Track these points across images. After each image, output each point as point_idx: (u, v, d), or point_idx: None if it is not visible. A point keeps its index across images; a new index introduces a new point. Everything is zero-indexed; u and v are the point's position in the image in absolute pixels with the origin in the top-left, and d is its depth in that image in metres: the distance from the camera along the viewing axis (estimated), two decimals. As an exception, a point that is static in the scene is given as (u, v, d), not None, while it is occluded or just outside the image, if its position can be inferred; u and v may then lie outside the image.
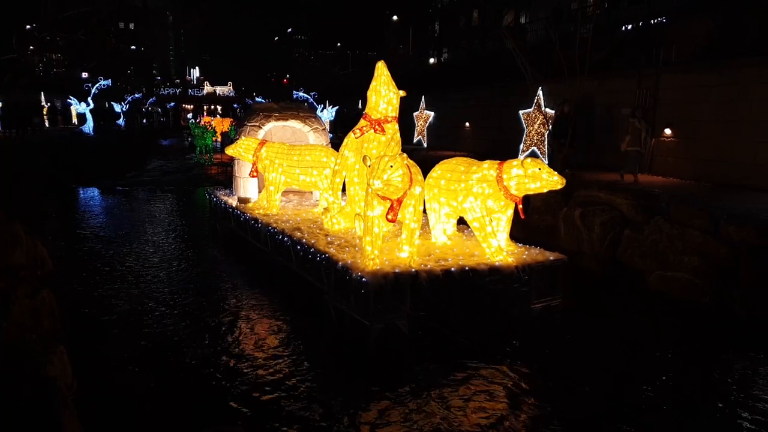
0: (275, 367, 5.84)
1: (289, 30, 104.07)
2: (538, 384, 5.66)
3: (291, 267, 8.08)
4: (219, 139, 30.54)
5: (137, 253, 10.25)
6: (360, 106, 30.72)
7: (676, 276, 8.08)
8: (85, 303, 7.65)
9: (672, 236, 8.27)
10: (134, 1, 79.43)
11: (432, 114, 23.35)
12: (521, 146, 15.91)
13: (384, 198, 6.18)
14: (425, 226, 7.62)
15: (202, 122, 34.17)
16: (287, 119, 11.05)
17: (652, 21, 17.03)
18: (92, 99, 31.53)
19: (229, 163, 14.56)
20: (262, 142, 9.91)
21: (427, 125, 23.68)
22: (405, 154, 6.25)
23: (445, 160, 7.48)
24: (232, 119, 36.74)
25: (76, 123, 36.00)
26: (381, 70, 7.65)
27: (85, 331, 6.55)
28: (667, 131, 13.12)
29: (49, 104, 35.91)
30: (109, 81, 37.60)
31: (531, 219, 10.26)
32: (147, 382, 5.56)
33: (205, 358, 6.06)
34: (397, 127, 7.76)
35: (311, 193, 11.00)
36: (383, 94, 7.61)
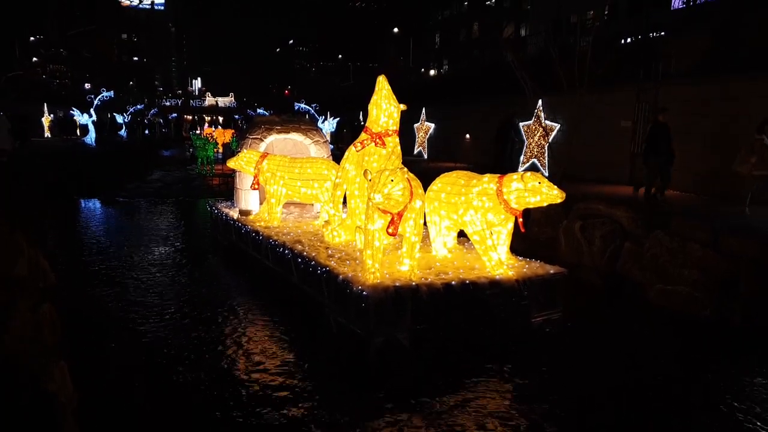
0: (275, 379, 5.83)
1: (291, 41, 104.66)
2: (538, 396, 5.66)
3: (292, 280, 8.09)
4: (220, 151, 30.60)
5: (138, 265, 10.26)
6: (361, 117, 30.86)
7: (676, 289, 8.08)
8: (84, 312, 7.65)
9: (672, 249, 8.28)
10: (137, 14, 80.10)
11: (432, 125, 23.48)
12: (521, 158, 15.99)
13: (384, 211, 6.20)
14: (426, 239, 7.64)
15: (204, 133, 34.29)
16: (289, 132, 11.10)
17: (651, 34, 17.16)
18: (95, 110, 31.67)
19: (231, 175, 14.60)
20: (264, 155, 9.96)
21: (427, 137, 23.80)
22: (405, 168, 6.29)
23: (446, 174, 7.51)
24: (233, 130, 36.83)
25: (78, 134, 36.15)
26: (382, 84, 7.70)
27: (84, 340, 6.54)
28: (667, 144, 13.16)
29: (52, 115, 36.06)
30: (112, 92, 37.82)
31: (531, 231, 10.30)
32: (146, 393, 5.57)
33: (205, 370, 6.06)
34: (397, 140, 7.80)
35: (312, 205, 11.03)
36: (384, 107, 7.66)
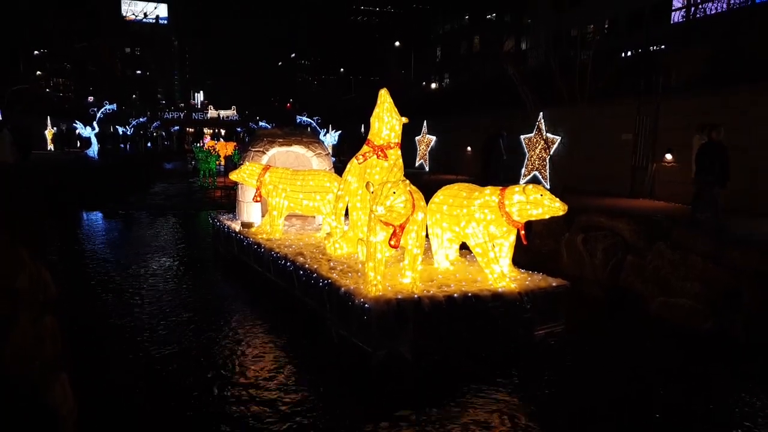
0: (276, 392, 5.80)
1: (293, 55, 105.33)
2: (540, 410, 5.63)
3: (293, 292, 8.07)
4: (222, 163, 30.69)
5: (139, 277, 10.25)
6: (363, 130, 30.98)
7: (678, 302, 8.05)
8: (86, 324, 7.64)
9: (674, 262, 8.26)
10: (141, 27, 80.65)
11: (434, 138, 23.54)
12: (523, 170, 16.02)
13: (387, 224, 6.21)
14: (427, 251, 7.63)
15: (206, 146, 34.43)
16: (291, 144, 11.14)
17: (651, 48, 17.24)
18: (97, 123, 31.82)
19: (232, 187, 14.63)
20: (266, 168, 9.99)
21: (428, 149, 23.87)
22: (407, 180, 6.30)
23: (447, 186, 7.52)
24: (235, 143, 36.98)
25: (79, 146, 36.28)
26: (384, 97, 7.74)
27: (86, 352, 6.52)
28: (668, 156, 13.19)
29: (55, 128, 36.22)
30: (114, 105, 38.02)
31: (533, 244, 10.27)
32: (147, 407, 5.54)
33: (207, 381, 6.03)
34: (399, 153, 7.83)
35: (314, 217, 11.04)
36: (386, 120, 7.70)
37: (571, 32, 37.00)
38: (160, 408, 5.56)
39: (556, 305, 6.98)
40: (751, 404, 5.80)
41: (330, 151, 16.33)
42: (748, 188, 11.32)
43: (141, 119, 52.46)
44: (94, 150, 30.20)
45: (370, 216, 6.41)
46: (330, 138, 37.25)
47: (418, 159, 24.15)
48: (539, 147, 15.51)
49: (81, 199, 18.94)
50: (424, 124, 23.71)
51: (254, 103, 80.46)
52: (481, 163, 14.99)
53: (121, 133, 39.42)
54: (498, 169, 14.49)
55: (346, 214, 8.54)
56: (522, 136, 16.12)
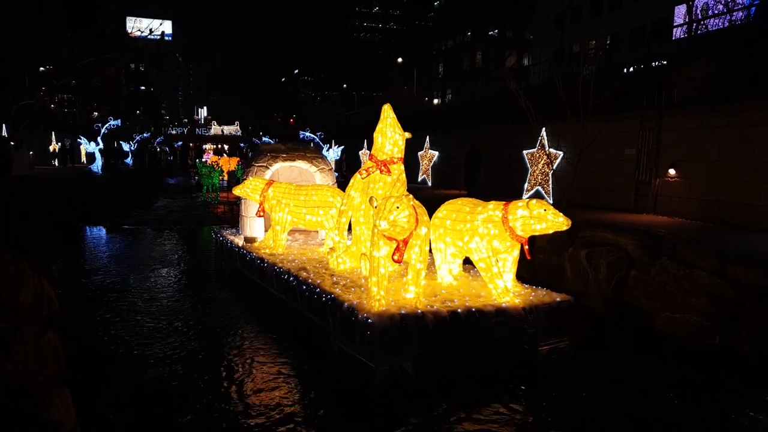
0: (278, 409, 5.76)
1: (296, 71, 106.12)
2: (544, 425, 5.57)
3: (296, 307, 8.05)
4: (226, 178, 30.79)
5: (142, 292, 10.24)
6: (365, 146, 31.09)
7: (684, 318, 8.01)
8: (87, 341, 7.62)
9: (679, 277, 8.22)
10: (146, 44, 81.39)
11: (436, 153, 23.63)
12: (525, 185, 16.04)
13: (390, 238, 6.20)
14: (431, 266, 7.61)
15: (209, 161, 34.55)
16: (294, 160, 11.18)
17: (653, 64, 17.31)
18: (102, 138, 32.02)
19: (236, 203, 14.65)
20: (270, 183, 10.01)
21: (431, 164, 23.94)
22: (411, 195, 6.30)
23: (451, 201, 7.53)
24: (239, 158, 37.11)
25: (85, 162, 36.49)
26: (387, 112, 7.77)
27: (86, 369, 6.50)
28: (671, 171, 13.19)
29: (59, 144, 36.46)
30: (119, 121, 38.25)
31: (537, 259, 10.25)
32: (147, 423, 5.50)
33: (210, 395, 5.99)
34: (402, 167, 7.83)
35: (317, 232, 11.04)
36: (389, 135, 7.72)
37: (573, 48, 37.25)
38: (160, 424, 5.52)
39: (561, 321, 6.94)
40: (757, 419, 5.74)
41: (333, 166, 16.40)
42: (750, 203, 11.31)
43: (145, 135, 52.66)
44: (98, 165, 30.37)
45: (373, 231, 6.40)
46: (333, 153, 37.37)
47: (420, 174, 24.22)
48: (542, 162, 15.54)
49: (84, 213, 18.98)
50: (427, 139, 23.81)
51: (257, 119, 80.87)
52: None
53: (126, 150, 39.65)
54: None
55: (350, 228, 8.54)
56: (525, 152, 16.16)
